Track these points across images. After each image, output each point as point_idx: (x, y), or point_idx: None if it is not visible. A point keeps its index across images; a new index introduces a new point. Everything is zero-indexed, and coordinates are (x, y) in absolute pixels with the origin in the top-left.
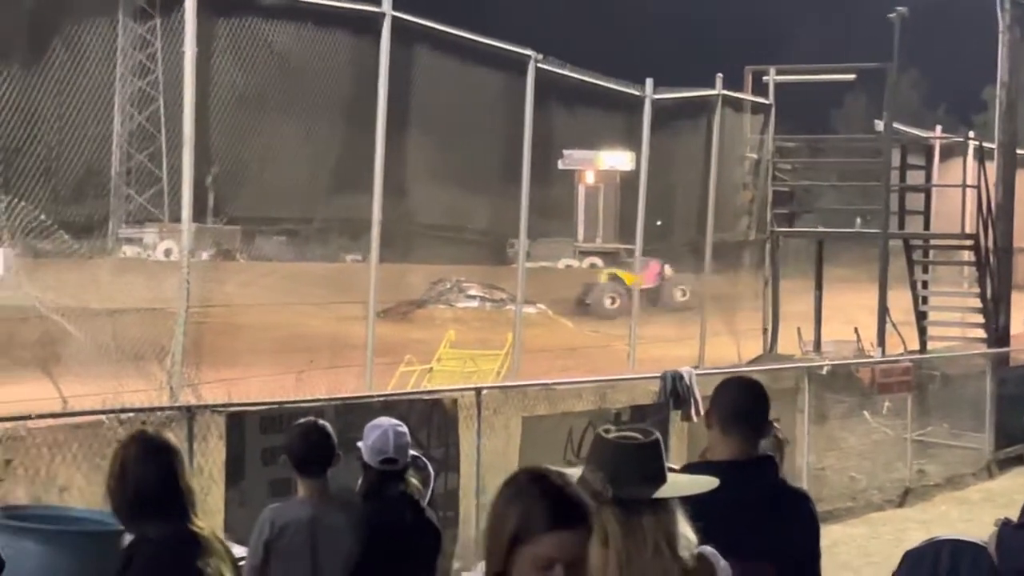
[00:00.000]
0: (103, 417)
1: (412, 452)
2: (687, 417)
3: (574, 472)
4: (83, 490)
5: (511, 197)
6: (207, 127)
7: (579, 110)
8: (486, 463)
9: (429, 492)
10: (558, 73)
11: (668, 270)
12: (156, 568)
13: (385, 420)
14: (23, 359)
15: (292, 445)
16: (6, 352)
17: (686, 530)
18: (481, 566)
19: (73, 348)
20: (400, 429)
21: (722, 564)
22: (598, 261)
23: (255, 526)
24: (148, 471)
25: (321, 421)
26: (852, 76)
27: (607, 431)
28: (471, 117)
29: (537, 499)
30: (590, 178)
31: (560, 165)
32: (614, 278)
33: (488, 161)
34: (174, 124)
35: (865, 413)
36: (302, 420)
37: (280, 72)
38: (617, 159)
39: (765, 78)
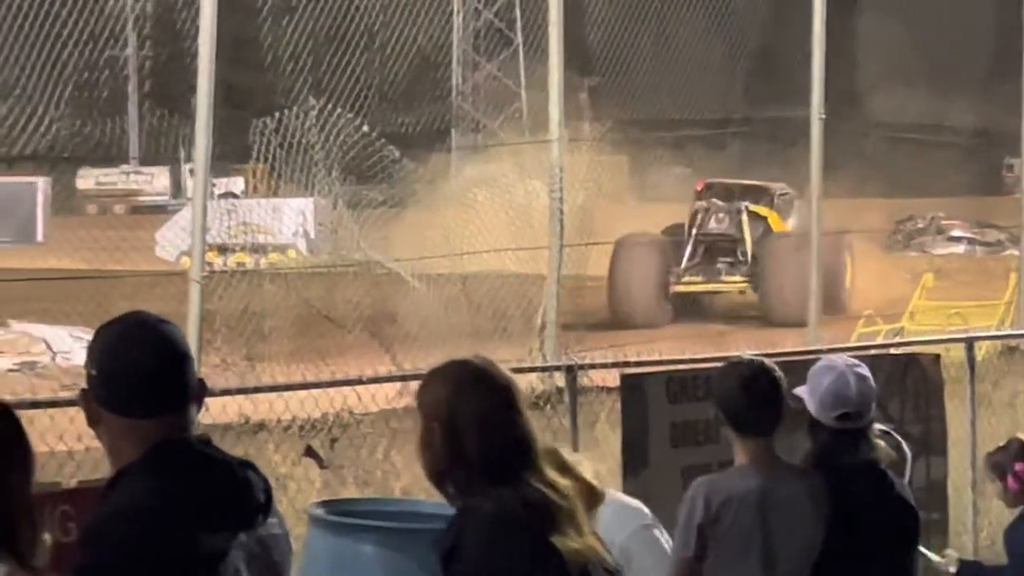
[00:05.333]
0: None
1: (880, 426)
2: None
3: None
4: (432, 491)
5: (1005, 100)
6: (581, 25)
7: None
8: (984, 447)
9: (907, 476)
10: None
11: None
12: (493, 549)
13: (839, 360)
14: (349, 332)
15: (727, 394)
16: (323, 326)
17: None
18: None
19: (413, 317)
20: (861, 371)
21: None
22: None
23: (681, 509)
24: (489, 410)
25: (767, 362)
26: None
27: None
28: None
29: None
30: None
31: None
32: None
33: (971, 50)
34: (534, 19)
35: None
36: (739, 360)
37: None
38: None
39: None
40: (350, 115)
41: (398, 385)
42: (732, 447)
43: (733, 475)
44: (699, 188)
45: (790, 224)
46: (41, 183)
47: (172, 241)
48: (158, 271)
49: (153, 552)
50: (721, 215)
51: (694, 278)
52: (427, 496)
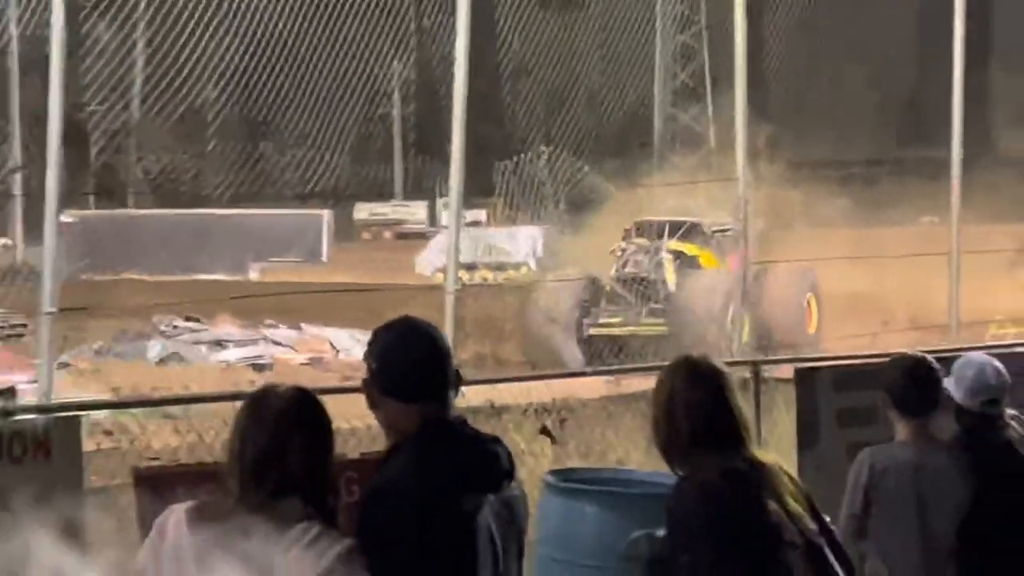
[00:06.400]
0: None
1: (1011, 411)
2: None
3: None
4: (642, 464)
5: None
6: (760, 79)
7: None
8: None
9: None
10: None
11: None
12: (700, 511)
13: (978, 356)
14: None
15: (894, 382)
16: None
17: None
18: None
19: None
20: (997, 364)
21: None
22: None
23: (850, 473)
24: (699, 397)
25: (928, 356)
26: None
27: None
28: None
29: None
30: None
31: None
32: None
33: None
34: (721, 79)
35: None
36: (904, 354)
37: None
38: None
39: None
40: (573, 158)
41: (613, 377)
42: (891, 427)
43: (894, 447)
44: (627, 228)
45: (733, 261)
46: (326, 215)
47: (430, 260)
48: (418, 285)
49: (423, 510)
50: (640, 256)
51: (612, 320)
52: (638, 467)
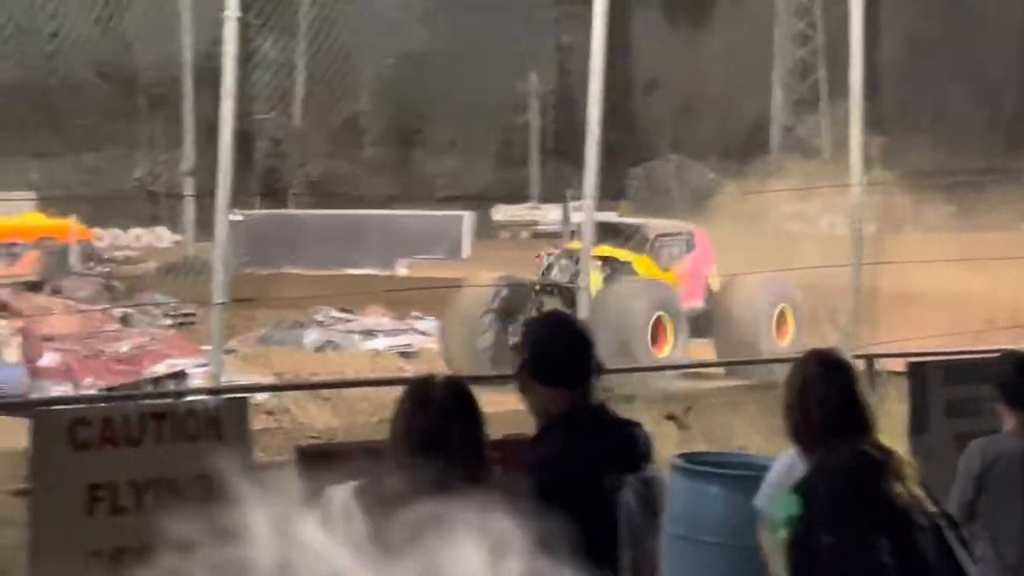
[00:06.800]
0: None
1: None
2: None
3: None
4: (762, 448)
5: None
6: (874, 93)
7: None
8: None
9: None
10: None
11: None
12: (838, 494)
13: None
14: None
15: (1003, 376)
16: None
17: None
18: None
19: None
20: None
21: None
22: None
23: (961, 463)
24: (829, 388)
25: None
26: None
27: None
28: None
29: None
30: None
31: None
32: None
33: None
34: (836, 91)
35: None
36: (1012, 351)
37: (954, 19)
38: None
39: None
40: (698, 164)
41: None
42: (998, 419)
43: (1003, 438)
44: (572, 231)
45: (682, 268)
46: (467, 215)
47: None
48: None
49: (569, 486)
50: (565, 262)
51: None
52: (759, 452)
